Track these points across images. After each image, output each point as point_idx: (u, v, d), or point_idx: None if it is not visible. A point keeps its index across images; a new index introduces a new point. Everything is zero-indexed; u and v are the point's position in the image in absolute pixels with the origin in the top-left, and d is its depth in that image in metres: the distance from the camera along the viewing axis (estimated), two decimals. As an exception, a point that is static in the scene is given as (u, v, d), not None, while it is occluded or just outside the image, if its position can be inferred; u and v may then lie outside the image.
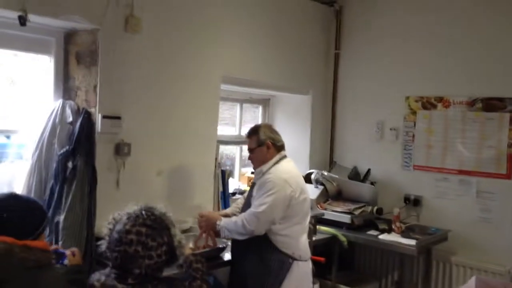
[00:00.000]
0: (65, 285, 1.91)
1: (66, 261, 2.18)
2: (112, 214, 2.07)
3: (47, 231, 2.66)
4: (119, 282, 1.95)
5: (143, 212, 2.01)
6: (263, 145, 2.83)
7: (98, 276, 2.03)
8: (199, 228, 2.95)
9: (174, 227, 2.07)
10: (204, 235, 2.93)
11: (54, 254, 2.18)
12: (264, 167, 2.81)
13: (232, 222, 2.73)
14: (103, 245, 2.03)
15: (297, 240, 2.77)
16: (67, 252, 2.21)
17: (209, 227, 2.86)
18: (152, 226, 1.98)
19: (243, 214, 2.73)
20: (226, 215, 3.00)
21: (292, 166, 2.87)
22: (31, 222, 1.93)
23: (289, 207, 2.70)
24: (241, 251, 2.81)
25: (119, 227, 1.98)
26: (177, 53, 3.34)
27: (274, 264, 2.70)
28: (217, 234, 2.87)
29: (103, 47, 2.92)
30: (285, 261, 2.70)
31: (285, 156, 2.90)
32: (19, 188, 2.87)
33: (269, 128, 2.94)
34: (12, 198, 1.97)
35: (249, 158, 2.95)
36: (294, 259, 2.73)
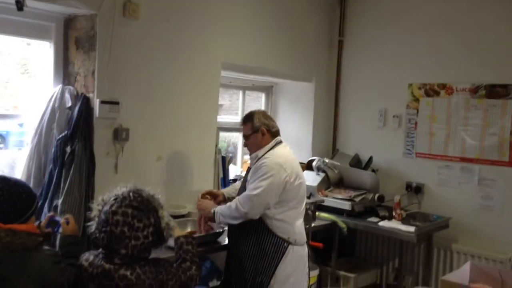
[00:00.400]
0: (52, 266, 1.93)
1: (61, 229, 2.21)
2: (101, 196, 2.09)
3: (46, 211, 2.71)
4: (106, 262, 1.98)
5: (131, 194, 2.03)
6: (258, 131, 2.84)
7: (87, 256, 2.06)
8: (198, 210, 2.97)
9: (162, 209, 2.08)
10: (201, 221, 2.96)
11: (51, 221, 2.21)
12: (260, 152, 2.82)
13: (226, 207, 2.75)
14: (92, 226, 2.06)
15: (293, 225, 2.78)
16: (61, 220, 2.23)
17: (205, 214, 2.88)
18: (138, 207, 2.00)
19: (237, 197, 2.75)
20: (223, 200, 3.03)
21: (288, 151, 2.88)
22: (20, 207, 1.95)
23: (284, 191, 2.71)
24: (238, 235, 2.83)
25: (106, 208, 2.01)
26: (176, 38, 3.34)
27: (270, 248, 2.72)
28: (212, 220, 2.89)
29: (101, 32, 2.93)
30: (280, 245, 2.72)
31: (280, 142, 2.90)
32: (19, 172, 2.92)
33: (263, 114, 2.95)
34: (0, 181, 1.97)
35: (245, 144, 2.96)
36: (289, 243, 2.74)
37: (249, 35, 3.94)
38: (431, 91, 4.20)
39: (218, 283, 3.23)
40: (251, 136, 2.87)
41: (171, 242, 2.27)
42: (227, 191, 3.14)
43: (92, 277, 1.99)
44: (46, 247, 2.04)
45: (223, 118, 4.67)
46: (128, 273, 1.95)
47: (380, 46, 4.50)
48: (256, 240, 2.74)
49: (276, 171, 2.68)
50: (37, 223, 2.27)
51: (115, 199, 2.02)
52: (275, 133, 2.91)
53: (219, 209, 2.79)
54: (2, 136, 5.56)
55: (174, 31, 3.32)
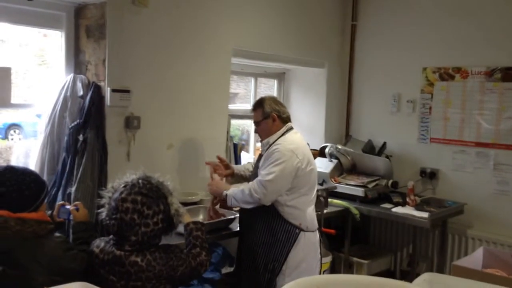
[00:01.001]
0: (63, 254, 1.96)
1: (71, 217, 2.24)
2: (111, 183, 2.11)
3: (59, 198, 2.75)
4: (117, 249, 2.01)
5: (140, 181, 2.05)
6: (269, 117, 2.83)
7: (98, 242, 2.09)
8: (210, 192, 2.98)
9: (171, 195, 2.10)
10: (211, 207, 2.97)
11: (62, 210, 2.25)
12: (271, 139, 2.81)
13: (239, 191, 2.74)
14: (103, 212, 2.08)
15: (304, 211, 2.78)
16: (71, 207, 2.26)
17: (217, 195, 2.89)
18: (148, 194, 2.02)
19: (250, 183, 2.74)
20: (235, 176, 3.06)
21: (299, 137, 2.86)
22: (29, 195, 1.98)
23: (296, 177, 2.70)
24: (249, 222, 2.84)
25: (116, 195, 2.03)
26: (185, 25, 3.34)
27: (281, 235, 2.72)
28: (223, 203, 2.89)
29: (111, 20, 2.93)
30: (292, 232, 2.72)
31: (291, 128, 2.89)
32: (33, 161, 2.96)
33: (274, 100, 2.93)
34: (8, 171, 2.00)
35: (256, 131, 2.96)
36: (301, 229, 2.74)
37: (260, 21, 3.91)
38: (446, 75, 4.14)
39: (231, 269, 3.25)
40: (261, 122, 2.86)
41: (181, 229, 2.29)
42: (237, 168, 3.14)
43: (103, 263, 2.02)
44: (57, 234, 2.07)
45: (239, 106, 4.67)
46: (138, 259, 1.98)
47: (393, 30, 4.44)
48: (267, 227, 2.75)
49: (288, 157, 2.67)
50: (49, 212, 2.31)
51: (125, 186, 2.04)
52: (286, 119, 2.90)
53: (232, 192, 2.79)
54: (20, 126, 5.64)
55: (184, 17, 3.31)
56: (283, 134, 2.82)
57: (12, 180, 1.96)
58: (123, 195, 2.01)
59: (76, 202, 2.34)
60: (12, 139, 5.40)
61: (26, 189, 1.97)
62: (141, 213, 1.98)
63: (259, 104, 2.89)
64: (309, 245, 2.78)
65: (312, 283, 1.49)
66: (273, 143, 2.78)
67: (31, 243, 1.89)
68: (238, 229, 2.97)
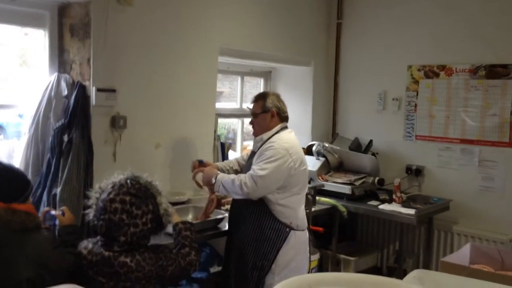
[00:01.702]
0: (51, 249, 1.94)
1: (58, 222, 2.22)
2: (98, 183, 2.09)
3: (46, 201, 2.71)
4: (105, 250, 1.99)
5: (128, 181, 2.03)
6: (268, 112, 2.82)
7: (86, 244, 2.07)
8: (196, 179, 2.91)
9: (160, 195, 2.08)
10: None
11: (47, 216, 2.23)
12: (265, 135, 2.80)
13: (230, 180, 2.70)
14: (90, 213, 2.05)
15: (296, 210, 2.78)
16: (56, 212, 2.24)
17: (206, 180, 2.83)
18: (136, 194, 2.00)
19: (242, 175, 2.71)
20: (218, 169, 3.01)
21: (293, 137, 2.86)
22: (17, 187, 1.98)
23: (289, 177, 2.70)
24: (239, 219, 2.83)
25: (103, 196, 2.01)
26: (172, 24, 3.31)
27: (271, 233, 2.72)
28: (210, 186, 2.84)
29: (95, 19, 2.89)
30: (282, 230, 2.72)
31: (286, 127, 2.89)
32: (17, 161, 2.91)
33: (277, 97, 2.92)
34: None
35: (251, 122, 2.92)
36: (291, 228, 2.74)
37: (246, 19, 3.90)
38: (431, 73, 4.17)
39: (219, 268, 3.24)
40: (259, 115, 2.85)
41: (170, 229, 2.27)
42: (221, 165, 3.12)
43: (92, 264, 2.00)
44: (44, 230, 2.05)
45: (224, 105, 4.65)
46: (128, 260, 1.96)
47: (378, 28, 4.46)
48: (257, 225, 2.74)
49: (282, 155, 2.67)
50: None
51: (113, 187, 2.02)
52: (284, 118, 2.89)
53: (221, 178, 2.74)
54: (2, 127, 5.55)
55: (170, 16, 3.29)
56: (277, 132, 2.81)
57: (1, 170, 1.98)
58: (111, 196, 1.99)
59: (62, 208, 2.31)
60: (-5, 140, 5.31)
61: (14, 181, 1.99)
62: (130, 213, 1.96)
63: (262, 97, 2.88)
64: (299, 243, 2.78)
65: (304, 282, 1.49)
66: (267, 140, 2.77)
67: (20, 235, 1.87)
68: (226, 228, 2.96)
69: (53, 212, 2.29)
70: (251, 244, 2.75)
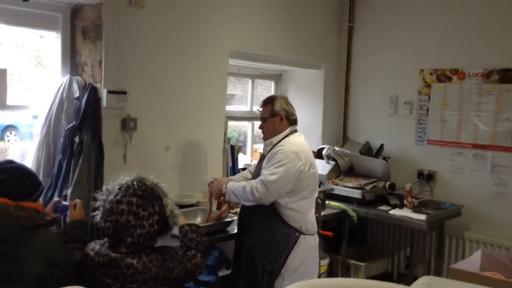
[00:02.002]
0: (60, 245, 1.96)
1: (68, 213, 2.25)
2: (105, 185, 2.10)
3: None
4: (112, 251, 1.99)
5: (135, 183, 2.04)
6: (277, 115, 2.82)
7: (93, 245, 2.08)
8: (210, 194, 2.92)
9: (166, 197, 2.09)
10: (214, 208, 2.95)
11: (58, 206, 2.25)
12: (275, 139, 2.80)
13: (240, 187, 2.71)
14: (97, 215, 2.06)
15: (305, 215, 2.77)
16: (69, 203, 2.27)
17: (218, 194, 2.85)
18: (143, 196, 2.01)
19: (252, 181, 2.71)
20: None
21: (303, 140, 2.86)
22: (29, 185, 2.01)
23: (298, 180, 2.69)
24: (249, 223, 2.82)
25: (110, 197, 2.02)
26: (182, 26, 3.32)
27: (281, 237, 2.71)
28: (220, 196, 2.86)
29: (107, 22, 2.91)
30: (292, 234, 2.71)
31: (296, 130, 2.88)
32: (29, 162, 2.94)
33: (285, 100, 2.91)
34: (8, 162, 2.04)
35: (260, 127, 2.93)
36: (301, 232, 2.73)
37: (257, 22, 3.90)
38: (443, 77, 4.13)
39: (227, 272, 3.23)
40: (268, 119, 2.85)
41: (176, 231, 2.27)
42: (235, 178, 3.13)
43: (99, 266, 2.01)
44: (53, 227, 2.07)
45: (236, 107, 4.65)
46: (134, 261, 1.96)
47: (390, 31, 4.44)
48: (267, 229, 2.73)
49: (291, 159, 2.66)
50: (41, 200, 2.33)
51: (119, 188, 2.03)
52: (293, 121, 2.89)
53: (232, 186, 2.75)
54: (16, 127, 5.61)
55: (180, 19, 3.30)
56: (287, 136, 2.81)
57: (13, 168, 2.01)
58: (118, 197, 2.00)
59: (76, 200, 2.33)
60: (8, 140, 5.38)
61: (26, 179, 2.02)
62: (137, 215, 1.97)
63: (270, 101, 2.87)
64: (308, 248, 2.77)
65: (312, 287, 1.48)
66: (277, 144, 2.77)
67: (29, 232, 1.89)
68: (235, 231, 2.96)
69: (64, 202, 2.31)
70: (261, 247, 2.74)
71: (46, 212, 2.05)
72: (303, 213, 2.75)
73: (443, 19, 4.11)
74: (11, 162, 2.06)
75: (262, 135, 2.96)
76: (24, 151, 3.09)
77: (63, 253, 1.96)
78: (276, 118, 2.82)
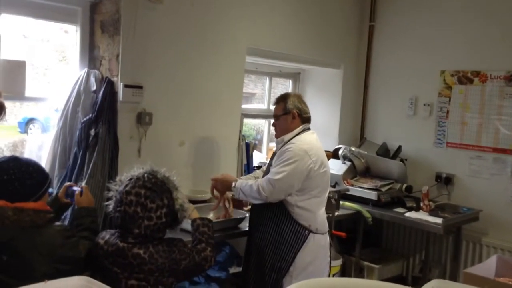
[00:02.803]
0: (61, 242, 1.96)
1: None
2: (118, 176, 2.11)
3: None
4: (120, 241, 2.02)
5: (145, 175, 2.05)
6: (289, 113, 2.79)
7: (104, 234, 2.11)
8: (214, 191, 2.91)
9: (176, 190, 2.09)
10: (221, 204, 2.94)
11: (69, 191, 2.27)
12: (286, 137, 2.78)
13: (248, 185, 2.71)
14: (110, 205, 2.08)
15: (315, 213, 2.74)
16: (76, 190, 2.27)
17: (225, 189, 2.85)
18: (151, 188, 2.02)
19: (260, 179, 2.71)
20: None
21: (315, 138, 2.82)
22: (31, 185, 1.98)
23: (307, 179, 2.66)
24: (258, 220, 2.81)
25: (121, 188, 2.03)
26: (200, 23, 3.32)
27: (290, 235, 2.69)
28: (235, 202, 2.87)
29: (125, 16, 2.93)
30: (301, 233, 2.69)
31: (308, 129, 2.85)
32: (45, 154, 2.98)
33: (298, 98, 2.88)
34: (11, 161, 2.00)
35: (273, 124, 2.92)
36: (310, 231, 2.70)
37: (275, 19, 3.88)
38: (464, 79, 4.05)
39: (239, 269, 3.22)
40: (281, 117, 2.83)
41: (187, 225, 2.28)
42: (245, 178, 3.12)
43: (107, 254, 2.03)
44: (57, 223, 2.08)
45: (253, 106, 4.64)
46: (141, 251, 1.98)
47: (411, 31, 4.37)
48: (276, 227, 2.71)
49: (300, 157, 2.63)
50: (54, 194, 2.33)
51: (130, 180, 2.05)
52: (306, 119, 2.85)
53: (240, 185, 2.74)
54: (38, 120, 5.70)
55: (198, 14, 3.30)
56: (299, 133, 2.78)
57: (15, 168, 1.97)
58: (127, 188, 2.02)
59: (82, 185, 2.34)
60: (31, 133, 5.48)
61: (28, 179, 1.98)
62: (145, 207, 1.99)
63: (283, 98, 2.85)
64: (318, 247, 2.74)
65: (316, 286, 1.46)
66: (288, 141, 2.75)
67: (30, 232, 1.90)
68: (247, 228, 2.95)
69: (74, 188, 2.33)
70: (270, 245, 2.73)
71: (49, 209, 2.04)
72: (313, 212, 2.72)
73: (465, 20, 4.03)
74: (14, 159, 2.02)
75: (275, 133, 2.95)
76: (42, 143, 3.13)
77: (66, 249, 1.96)
78: (288, 116, 2.79)
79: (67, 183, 2.45)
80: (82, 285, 1.44)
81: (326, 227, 2.83)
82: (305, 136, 2.78)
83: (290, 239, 2.68)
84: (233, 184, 2.77)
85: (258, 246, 2.79)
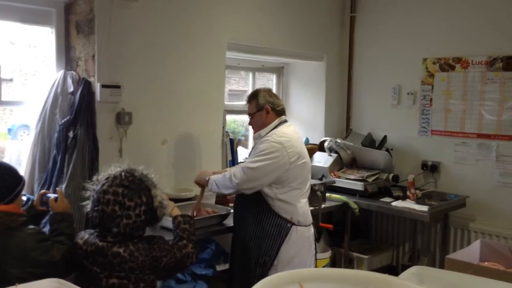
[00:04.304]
0: (33, 245, 1.94)
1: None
2: (95, 176, 2.09)
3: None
4: (100, 240, 2.00)
5: (122, 173, 2.04)
6: (262, 109, 2.78)
7: (83, 234, 2.09)
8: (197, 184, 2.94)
9: (155, 188, 2.08)
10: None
11: (44, 198, 2.24)
12: (263, 131, 2.77)
13: (221, 176, 2.73)
14: (88, 205, 2.06)
15: (296, 206, 2.72)
16: (50, 197, 2.24)
17: (201, 182, 2.87)
18: (129, 186, 2.01)
19: (233, 168, 2.73)
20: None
21: (292, 130, 2.80)
22: (3, 187, 1.96)
23: (284, 171, 2.64)
24: (241, 215, 2.80)
25: (97, 187, 2.01)
26: (177, 19, 3.29)
27: (272, 228, 2.68)
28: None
29: (100, 15, 2.90)
30: (283, 226, 2.67)
31: (285, 121, 2.83)
32: (25, 158, 2.94)
33: (269, 92, 2.87)
34: None
35: (250, 123, 2.91)
36: (292, 223, 2.69)
37: (255, 13, 3.84)
38: (446, 66, 4.05)
39: (226, 266, 3.21)
40: (255, 115, 2.82)
41: (168, 223, 2.26)
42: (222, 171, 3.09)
43: (87, 254, 2.02)
44: (31, 226, 2.05)
45: (239, 102, 4.61)
46: (121, 250, 1.96)
47: (392, 20, 4.36)
48: (258, 221, 2.70)
49: (276, 149, 2.62)
50: (30, 202, 2.30)
51: (107, 179, 2.04)
52: (280, 112, 2.84)
53: (215, 177, 2.77)
54: (28, 127, 5.66)
55: (176, 11, 3.27)
56: (275, 127, 2.76)
57: None
58: (104, 187, 2.00)
59: (57, 189, 2.32)
60: (21, 139, 5.45)
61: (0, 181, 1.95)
62: (122, 205, 1.97)
63: (253, 96, 2.84)
64: (302, 239, 2.72)
65: (295, 277, 1.44)
66: (265, 135, 2.74)
67: (2, 234, 1.87)
68: (231, 224, 2.93)
69: (49, 195, 2.30)
70: (253, 240, 2.72)
71: (22, 212, 2.02)
72: (294, 204, 2.71)
73: (446, 6, 4.03)
74: None
75: (252, 130, 2.95)
76: (20, 147, 3.09)
77: (39, 253, 1.94)
78: (262, 112, 2.79)
79: (42, 191, 2.42)
80: (53, 287, 1.41)
81: (309, 219, 2.81)
82: (282, 128, 2.77)
83: (273, 232, 2.67)
84: (207, 177, 2.79)
85: (243, 241, 2.77)
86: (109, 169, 2.11)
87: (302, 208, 2.75)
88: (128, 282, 1.98)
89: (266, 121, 2.79)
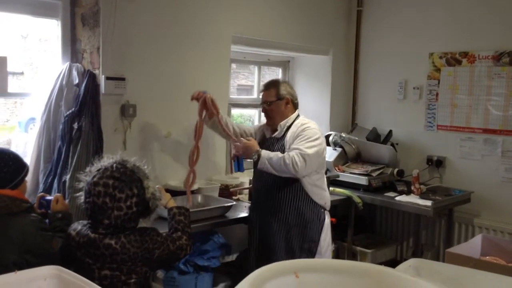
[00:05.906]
0: (35, 232, 1.96)
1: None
2: (88, 167, 2.11)
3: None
4: (91, 232, 2.01)
5: (114, 165, 2.03)
6: (282, 99, 2.82)
7: (75, 226, 2.10)
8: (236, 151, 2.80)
9: (147, 179, 2.08)
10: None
11: (42, 201, 2.26)
12: (285, 122, 2.81)
13: (277, 157, 2.59)
14: (81, 197, 2.07)
15: (326, 191, 2.87)
16: (52, 199, 2.27)
17: (246, 153, 2.71)
18: (120, 178, 2.00)
19: (290, 152, 2.61)
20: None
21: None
22: (6, 172, 1.99)
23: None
24: (273, 207, 2.79)
25: (89, 179, 2.02)
26: (183, 12, 3.29)
27: (311, 216, 2.75)
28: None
29: (105, 7, 2.91)
30: (320, 212, 2.78)
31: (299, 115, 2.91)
32: (30, 149, 2.97)
33: (289, 84, 2.97)
34: None
35: (264, 110, 2.89)
36: (324, 209, 2.80)
37: (261, 7, 3.84)
38: (453, 60, 4.02)
39: (228, 258, 3.23)
40: (274, 103, 2.83)
41: (164, 213, 2.27)
42: (238, 129, 3.06)
43: (79, 246, 2.03)
44: (33, 214, 2.07)
45: (246, 96, 4.62)
46: (112, 242, 1.97)
47: (399, 15, 4.33)
48: (297, 209, 2.75)
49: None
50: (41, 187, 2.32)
51: (98, 170, 2.04)
52: (297, 105, 2.92)
53: (267, 155, 2.62)
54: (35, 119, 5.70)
55: (180, 4, 3.27)
56: (297, 118, 2.83)
57: None
58: (95, 179, 2.00)
59: (57, 195, 2.34)
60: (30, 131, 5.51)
61: (4, 167, 1.99)
62: (113, 197, 1.97)
63: (274, 84, 2.88)
64: (328, 224, 2.85)
65: (291, 268, 1.45)
66: (292, 124, 2.79)
67: (4, 219, 1.90)
68: (235, 217, 2.95)
69: (48, 197, 2.32)
70: (295, 227, 2.75)
71: (26, 198, 2.04)
72: (325, 190, 2.85)
73: (452, 0, 3.99)
74: None
75: (267, 119, 2.93)
76: (27, 139, 3.13)
77: (39, 241, 1.96)
78: (281, 101, 2.82)
79: (40, 194, 2.45)
80: (54, 274, 1.43)
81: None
82: (304, 120, 2.83)
83: (313, 218, 2.75)
84: (257, 153, 2.63)
85: (281, 230, 2.77)
86: (102, 160, 2.12)
87: (328, 194, 2.88)
88: (120, 273, 1.99)
89: (285, 112, 2.83)
